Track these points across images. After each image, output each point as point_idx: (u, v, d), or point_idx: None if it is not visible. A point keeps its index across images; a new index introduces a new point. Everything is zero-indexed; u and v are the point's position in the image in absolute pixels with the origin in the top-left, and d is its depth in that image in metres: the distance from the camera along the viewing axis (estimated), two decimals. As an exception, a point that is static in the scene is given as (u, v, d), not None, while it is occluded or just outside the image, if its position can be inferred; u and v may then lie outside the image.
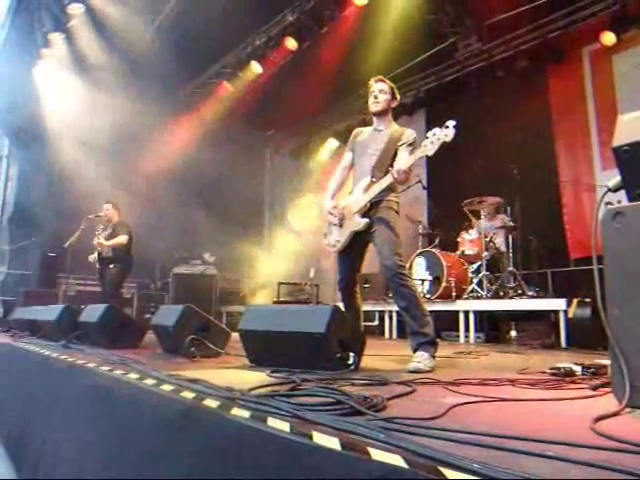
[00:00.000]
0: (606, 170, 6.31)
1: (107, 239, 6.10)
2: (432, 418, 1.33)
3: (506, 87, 7.29)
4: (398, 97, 3.14)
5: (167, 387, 1.74)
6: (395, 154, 2.97)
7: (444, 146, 2.65)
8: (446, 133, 2.63)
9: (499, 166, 6.16)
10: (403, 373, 2.42)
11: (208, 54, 8.27)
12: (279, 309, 3.77)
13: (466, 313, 5.55)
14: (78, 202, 7.53)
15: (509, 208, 6.12)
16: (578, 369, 2.34)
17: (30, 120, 8.47)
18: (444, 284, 5.73)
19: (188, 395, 1.58)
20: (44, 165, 8.43)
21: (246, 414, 1.30)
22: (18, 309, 6.48)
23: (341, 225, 3.07)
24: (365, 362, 2.56)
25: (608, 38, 6.47)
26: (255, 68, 8.33)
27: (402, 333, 5.98)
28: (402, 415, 1.31)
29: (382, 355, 3.39)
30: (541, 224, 6.40)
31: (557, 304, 4.86)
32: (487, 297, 5.63)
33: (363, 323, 3.22)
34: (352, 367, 2.35)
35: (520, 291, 5.52)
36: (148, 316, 7.85)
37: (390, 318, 6.50)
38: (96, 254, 6.20)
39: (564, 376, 2.27)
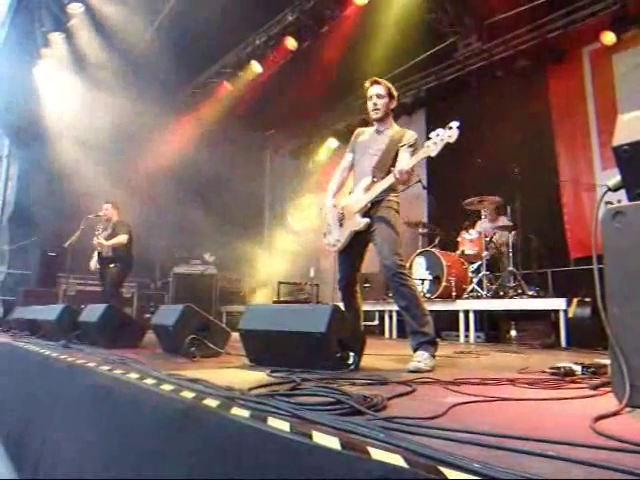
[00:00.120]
0: (606, 170, 6.30)
1: (107, 239, 6.09)
2: (432, 418, 1.33)
3: (506, 87, 7.29)
4: (396, 96, 3.12)
5: (167, 387, 1.73)
6: (396, 155, 2.97)
7: (445, 146, 2.65)
8: (450, 134, 2.63)
9: (499, 166, 6.15)
10: (403, 373, 2.42)
11: (208, 54, 8.26)
12: (279, 309, 3.77)
13: (466, 313, 5.55)
14: (78, 202, 7.54)
15: (509, 208, 6.12)
16: (578, 369, 2.34)
17: (30, 120, 8.47)
18: (444, 284, 5.73)
19: (188, 395, 1.58)
20: (44, 165, 8.43)
21: (246, 414, 1.30)
22: (18, 309, 6.48)
23: (341, 225, 3.07)
24: (365, 362, 2.56)
25: (608, 38, 6.46)
26: (255, 68, 8.32)
27: (402, 333, 5.98)
28: (402, 415, 1.31)
29: (382, 355, 3.39)
30: (541, 224, 6.39)
31: (557, 304, 4.86)
32: (487, 297, 5.63)
33: (363, 323, 3.22)
34: (352, 367, 2.35)
35: (520, 291, 5.52)
36: (148, 316, 7.86)
37: (390, 318, 6.50)
38: (96, 255, 6.20)
39: (564, 376, 2.27)
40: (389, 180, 2.85)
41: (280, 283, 9.33)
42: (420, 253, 6.27)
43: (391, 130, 3.08)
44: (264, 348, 2.62)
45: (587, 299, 4.59)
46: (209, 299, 8.86)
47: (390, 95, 3.06)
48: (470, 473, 0.85)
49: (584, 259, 5.96)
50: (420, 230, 6.84)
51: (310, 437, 1.08)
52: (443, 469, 0.87)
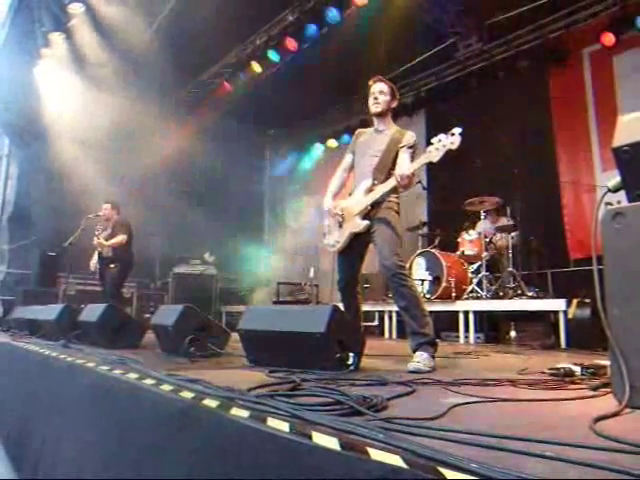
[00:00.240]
0: (606, 171, 6.30)
1: (107, 239, 6.09)
2: (432, 418, 1.33)
3: (506, 87, 7.29)
4: (398, 97, 3.16)
5: (166, 387, 1.73)
6: (396, 156, 2.98)
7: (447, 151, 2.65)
8: (452, 141, 2.63)
9: (499, 166, 6.16)
10: (403, 373, 2.41)
11: (208, 54, 8.25)
12: (279, 309, 3.77)
13: (466, 313, 5.55)
14: (78, 201, 7.53)
15: (509, 208, 6.12)
16: (578, 369, 2.34)
17: (30, 119, 8.46)
18: (444, 284, 5.73)
19: (187, 395, 1.58)
20: (44, 164, 8.42)
21: (245, 414, 1.30)
22: (18, 308, 6.48)
23: (340, 226, 3.07)
24: (365, 362, 2.56)
25: (608, 39, 6.46)
26: (255, 68, 8.32)
27: (402, 333, 5.98)
28: (402, 415, 1.31)
29: (382, 355, 3.38)
30: (541, 224, 6.40)
31: (557, 305, 4.86)
32: (487, 297, 5.64)
33: (363, 323, 3.22)
34: (352, 367, 2.35)
35: (520, 291, 5.52)
36: (148, 316, 7.85)
37: (390, 318, 6.50)
38: (96, 256, 6.20)
39: (564, 376, 2.27)
40: (390, 184, 2.85)
41: (280, 283, 9.33)
42: (420, 254, 6.27)
43: (391, 130, 3.08)
44: (264, 348, 2.62)
45: (587, 300, 4.58)
46: (209, 299, 8.86)
47: (392, 94, 3.09)
48: (468, 473, 0.85)
49: (584, 260, 5.95)
50: (420, 231, 6.84)
51: (310, 437, 1.08)
52: (442, 469, 0.87)
